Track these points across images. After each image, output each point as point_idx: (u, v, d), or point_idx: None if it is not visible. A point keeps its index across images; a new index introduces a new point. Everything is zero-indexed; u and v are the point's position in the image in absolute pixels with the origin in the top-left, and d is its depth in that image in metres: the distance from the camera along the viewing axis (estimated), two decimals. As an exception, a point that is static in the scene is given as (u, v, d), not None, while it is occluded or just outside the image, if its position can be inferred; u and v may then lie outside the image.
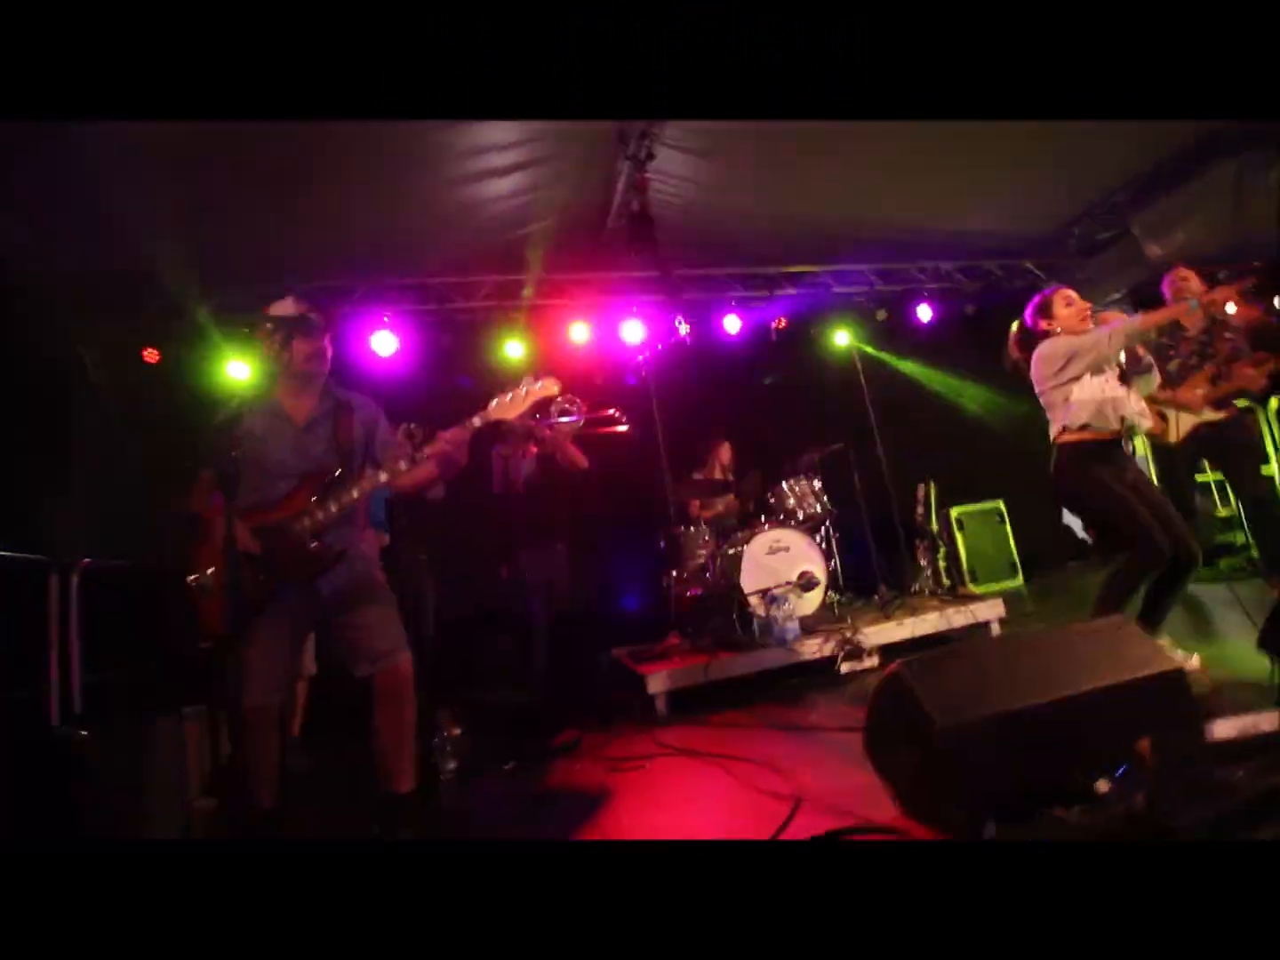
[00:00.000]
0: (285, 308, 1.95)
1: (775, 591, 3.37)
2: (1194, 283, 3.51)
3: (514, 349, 5.10)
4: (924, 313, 5.84)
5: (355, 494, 1.84)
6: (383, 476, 1.85)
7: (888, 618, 3.44)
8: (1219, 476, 4.51)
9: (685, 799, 2.01)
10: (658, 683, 3.02)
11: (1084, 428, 2.59)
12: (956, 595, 3.80)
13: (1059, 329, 2.71)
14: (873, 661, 3.19)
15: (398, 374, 4.77)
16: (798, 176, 4.70)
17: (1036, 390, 2.82)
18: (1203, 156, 4.93)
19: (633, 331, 5.21)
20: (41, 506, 4.09)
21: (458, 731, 3.29)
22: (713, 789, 2.04)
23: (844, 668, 3.15)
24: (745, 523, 4.36)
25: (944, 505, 5.26)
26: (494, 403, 1.90)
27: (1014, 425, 6.34)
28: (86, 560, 2.71)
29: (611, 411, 3.55)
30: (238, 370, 4.53)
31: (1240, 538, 4.30)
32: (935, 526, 5.00)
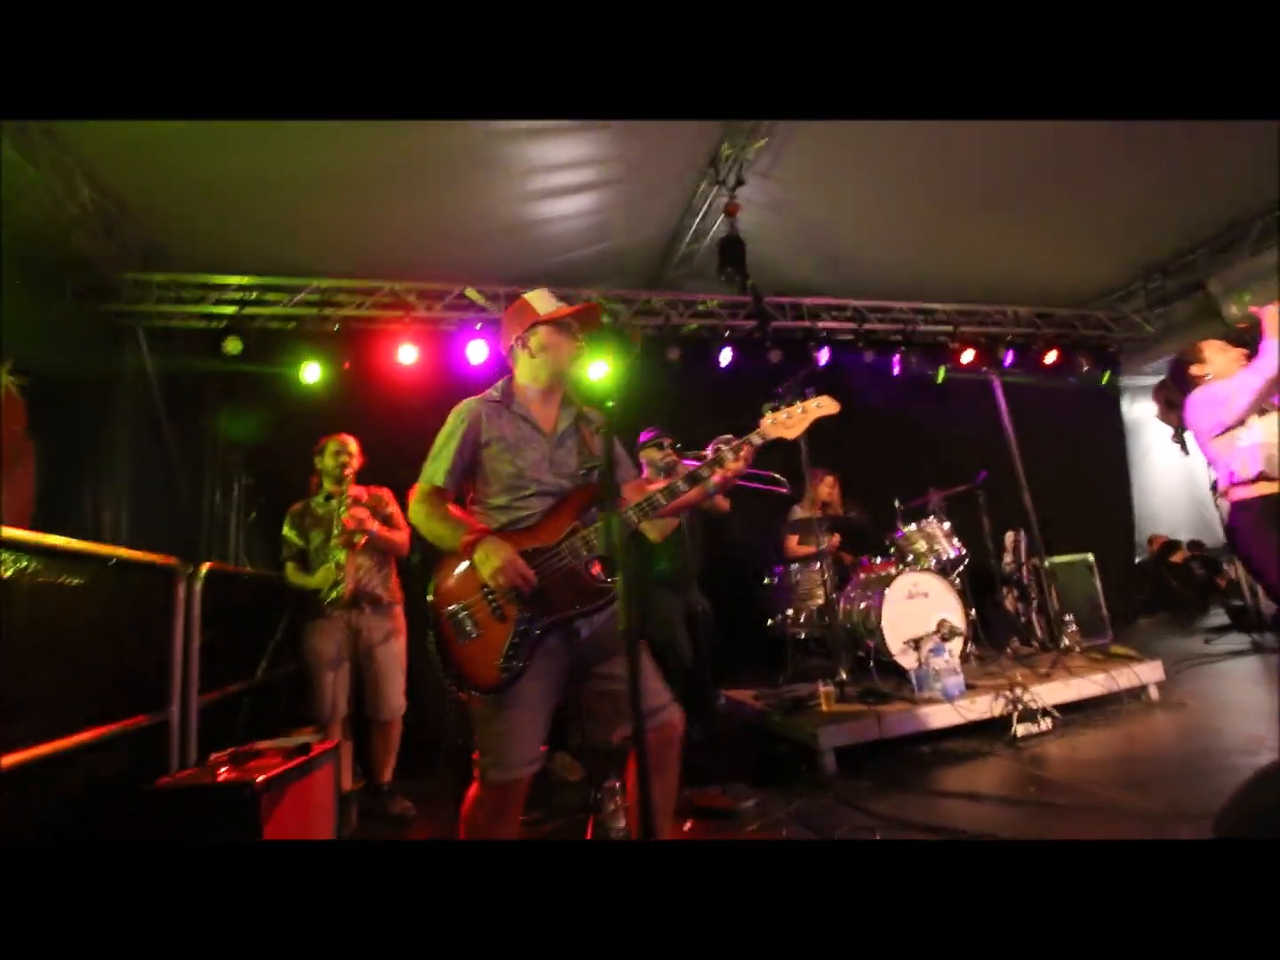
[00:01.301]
0: (543, 302, 1.67)
1: (933, 640, 3.10)
2: None
3: (598, 369, 4.87)
4: (1007, 358, 5.77)
5: (634, 518, 1.53)
6: (686, 500, 1.57)
7: (1048, 676, 3.19)
8: None
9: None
10: (830, 737, 2.70)
11: (1259, 478, 2.43)
12: (1109, 654, 3.55)
13: (1211, 374, 2.61)
14: (1047, 724, 2.91)
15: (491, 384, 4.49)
16: (881, 210, 4.74)
17: (1197, 443, 2.69)
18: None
19: (725, 357, 5.04)
20: (83, 496, 3.72)
21: (580, 775, 2.96)
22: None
23: (1019, 730, 2.87)
24: (854, 564, 4.12)
25: (1031, 556, 5.10)
26: (768, 420, 1.63)
27: (1082, 478, 6.32)
28: (210, 564, 2.34)
29: (777, 475, 3.39)
30: (311, 373, 4.21)
31: None
32: (1028, 578, 4.81)
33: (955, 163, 4.21)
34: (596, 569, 1.56)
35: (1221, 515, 2.92)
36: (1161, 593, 6.70)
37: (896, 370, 5.25)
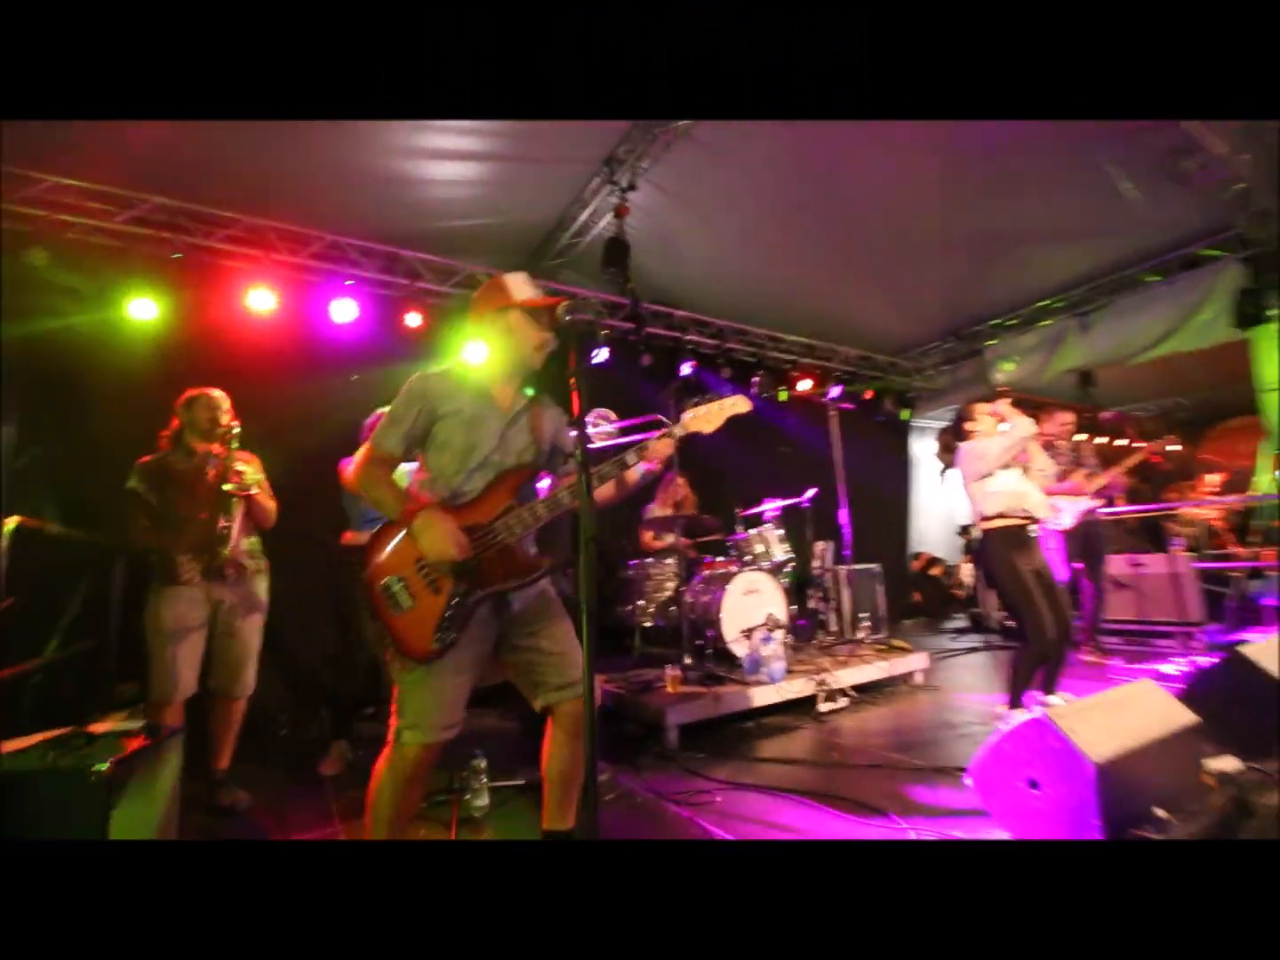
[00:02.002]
0: (520, 286, 1.72)
1: (762, 631, 3.56)
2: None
3: (478, 350, 4.76)
4: (834, 391, 6.64)
5: (566, 499, 1.64)
6: (610, 488, 1.71)
7: (845, 663, 3.82)
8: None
9: (808, 834, 2.06)
10: (675, 715, 3.01)
11: (1000, 515, 3.20)
12: (890, 646, 4.33)
13: (978, 431, 3.34)
14: (845, 702, 3.51)
15: (355, 349, 4.21)
16: (752, 244, 5.27)
17: (962, 484, 3.41)
18: (1045, 311, 6.41)
19: (600, 354, 5.21)
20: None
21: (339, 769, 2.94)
22: (823, 822, 2.12)
23: (823, 708, 3.42)
24: (698, 560, 4.54)
25: (835, 563, 5.96)
26: (689, 415, 1.78)
27: (876, 499, 7.48)
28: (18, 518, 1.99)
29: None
30: (141, 310, 3.63)
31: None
32: (829, 581, 5.64)
33: (815, 218, 4.83)
34: (529, 546, 1.66)
35: (974, 541, 3.72)
36: (922, 599, 8.17)
37: (753, 390, 5.80)
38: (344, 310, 4.14)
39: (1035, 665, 2.86)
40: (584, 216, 4.94)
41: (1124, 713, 1.98)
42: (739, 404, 1.84)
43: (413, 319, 4.42)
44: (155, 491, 2.50)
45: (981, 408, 3.34)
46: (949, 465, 3.48)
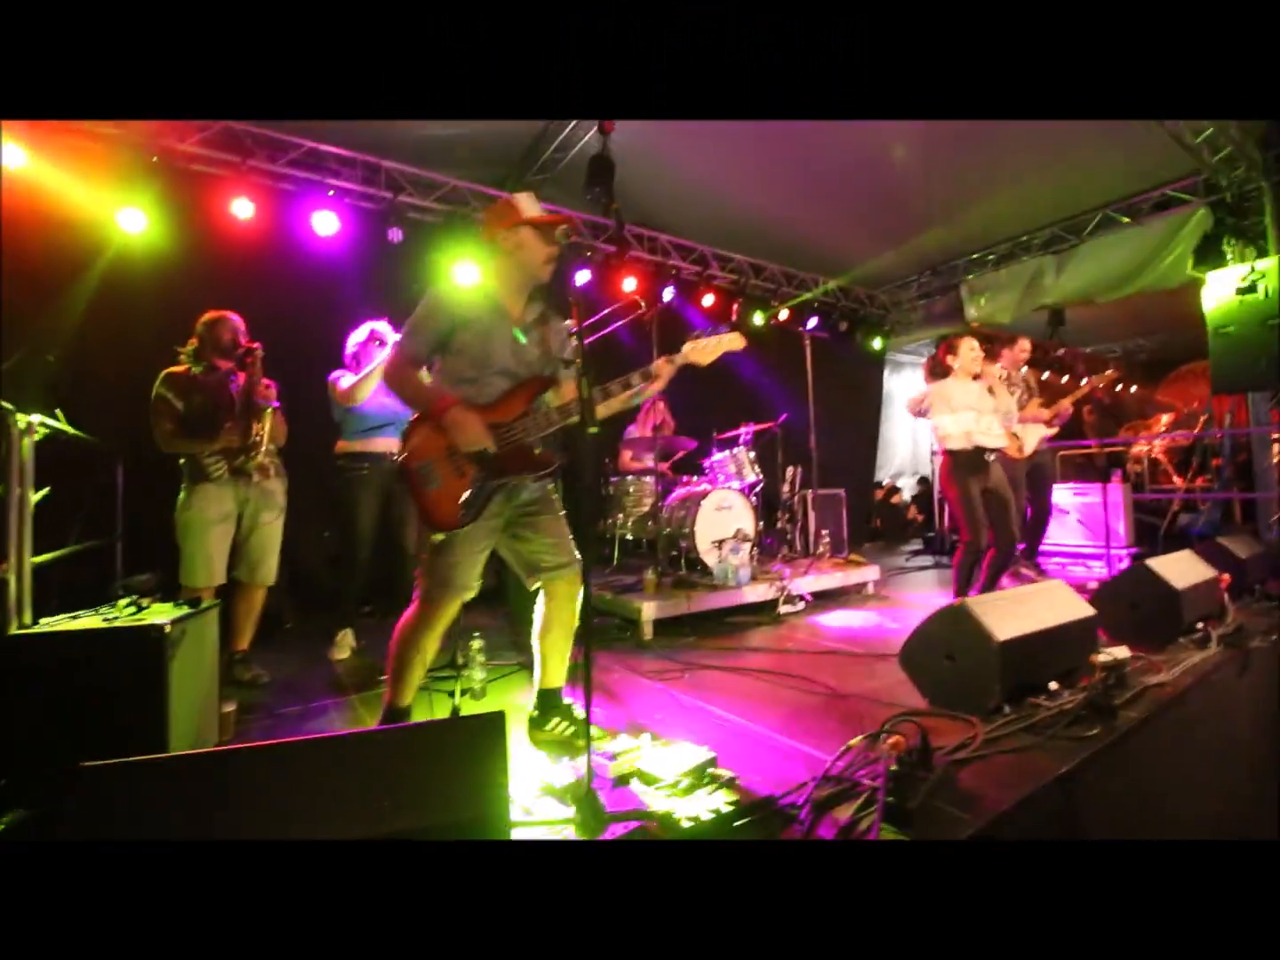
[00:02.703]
0: (529, 205, 1.86)
1: (732, 543, 3.88)
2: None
3: (466, 269, 4.75)
4: (811, 322, 6.80)
5: (575, 408, 1.83)
6: (614, 403, 1.91)
7: (805, 573, 4.20)
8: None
9: (759, 701, 2.41)
10: (650, 611, 3.36)
11: (957, 445, 3.49)
12: (847, 560, 4.73)
13: (958, 365, 3.57)
14: (802, 605, 3.90)
15: (334, 263, 4.20)
16: (739, 169, 5.25)
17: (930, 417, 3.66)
18: (1020, 247, 6.54)
19: (582, 276, 5.25)
20: None
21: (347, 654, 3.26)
22: (773, 693, 2.48)
23: (783, 609, 3.81)
24: (674, 479, 4.81)
25: (803, 488, 6.32)
26: (688, 346, 1.97)
27: (847, 429, 7.78)
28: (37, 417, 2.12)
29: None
30: (130, 222, 3.58)
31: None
32: (796, 503, 6.00)
33: (799, 148, 4.82)
34: (542, 446, 1.90)
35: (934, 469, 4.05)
36: (881, 525, 8.67)
37: (734, 317, 5.92)
38: (326, 222, 4.11)
39: (973, 564, 3.28)
40: (568, 130, 4.85)
41: (1030, 605, 2.33)
42: (734, 341, 2.02)
43: (394, 234, 4.40)
44: (183, 399, 2.71)
45: (966, 341, 3.57)
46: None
